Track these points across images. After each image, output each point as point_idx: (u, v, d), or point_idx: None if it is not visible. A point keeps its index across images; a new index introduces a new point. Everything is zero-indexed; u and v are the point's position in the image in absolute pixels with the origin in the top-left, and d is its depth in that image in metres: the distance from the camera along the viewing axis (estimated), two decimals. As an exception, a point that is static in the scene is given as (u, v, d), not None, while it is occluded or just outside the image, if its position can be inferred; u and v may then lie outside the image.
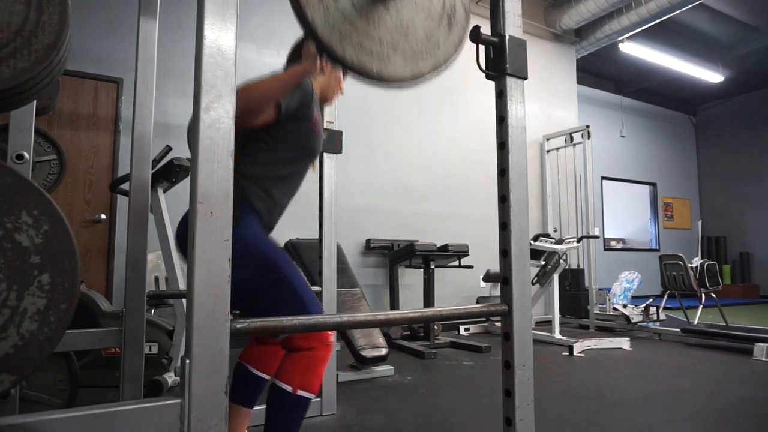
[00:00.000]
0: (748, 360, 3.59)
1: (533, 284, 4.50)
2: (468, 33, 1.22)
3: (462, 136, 5.74)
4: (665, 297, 5.40)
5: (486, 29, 1.21)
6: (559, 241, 4.62)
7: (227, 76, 0.85)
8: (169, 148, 2.83)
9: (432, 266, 4.39)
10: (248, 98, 1.28)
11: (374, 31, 1.05)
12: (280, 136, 1.49)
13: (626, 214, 9.71)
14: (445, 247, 4.37)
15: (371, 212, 5.03)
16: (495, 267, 5.27)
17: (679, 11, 6.07)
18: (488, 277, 5.32)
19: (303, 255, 3.96)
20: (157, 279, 3.55)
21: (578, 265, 5.93)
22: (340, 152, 2.48)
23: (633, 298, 5.46)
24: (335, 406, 2.35)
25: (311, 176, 2.42)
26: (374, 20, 1.06)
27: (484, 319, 5.21)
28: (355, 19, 1.03)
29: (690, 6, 5.92)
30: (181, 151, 3.03)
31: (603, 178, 9.21)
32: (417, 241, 4.68)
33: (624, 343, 4.15)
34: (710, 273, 5.03)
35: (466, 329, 5.12)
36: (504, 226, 1.19)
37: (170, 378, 2.64)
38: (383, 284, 5.01)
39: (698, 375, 3.14)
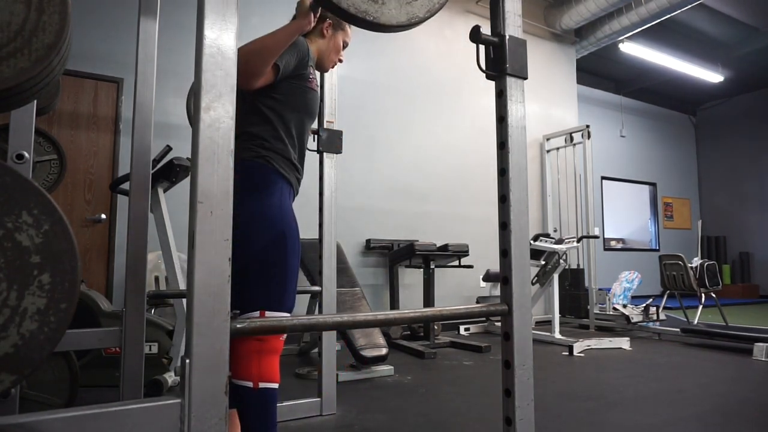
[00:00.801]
0: (748, 360, 3.59)
1: (533, 284, 4.50)
2: None
3: (462, 135, 5.74)
4: (665, 297, 5.40)
5: (486, 29, 1.21)
6: (559, 241, 4.62)
7: (227, 76, 0.85)
8: (169, 148, 2.82)
9: (432, 266, 4.39)
10: (245, 59, 1.28)
11: None
12: (282, 98, 1.50)
13: (626, 214, 9.71)
14: (445, 247, 4.37)
15: (371, 212, 5.03)
16: (495, 267, 5.27)
17: (679, 11, 6.07)
18: (488, 277, 5.32)
19: (303, 255, 3.95)
20: (157, 279, 3.55)
21: (578, 265, 5.93)
22: (341, 152, 2.48)
23: (633, 298, 5.47)
24: (335, 405, 2.35)
25: (311, 177, 2.42)
26: None
27: (484, 319, 5.22)
28: None
29: (690, 6, 5.92)
30: (181, 151, 3.03)
31: (603, 178, 9.21)
32: (417, 241, 4.68)
33: (624, 343, 4.15)
34: (710, 273, 5.03)
35: (466, 329, 5.12)
36: (504, 225, 1.19)
37: (170, 378, 2.64)
38: (383, 284, 5.01)
39: (698, 375, 3.14)
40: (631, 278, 5.38)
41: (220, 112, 0.84)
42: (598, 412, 2.38)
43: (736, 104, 10.32)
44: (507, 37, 1.20)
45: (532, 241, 4.62)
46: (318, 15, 1.54)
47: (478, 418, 2.31)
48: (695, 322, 4.88)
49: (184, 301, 2.59)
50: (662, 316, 4.99)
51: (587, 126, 5.88)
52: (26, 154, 1.72)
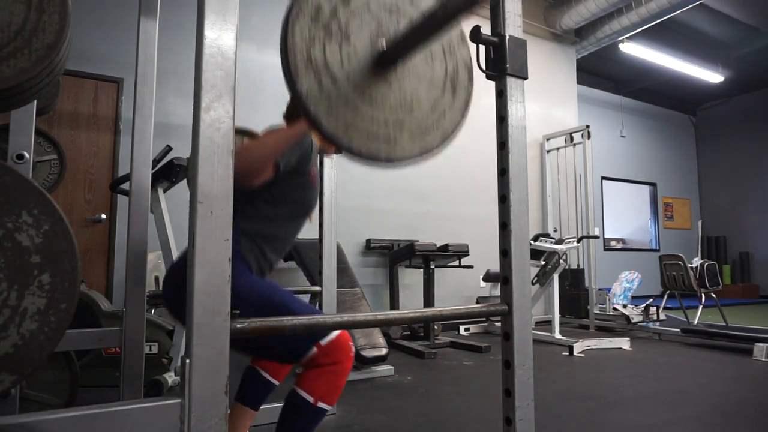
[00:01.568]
0: (748, 360, 3.59)
1: (533, 284, 4.50)
2: (471, 94, 1.20)
3: (462, 135, 5.71)
4: (665, 297, 5.40)
5: (486, 29, 1.21)
6: (559, 241, 4.62)
7: (227, 76, 0.85)
8: (169, 148, 2.82)
9: (432, 266, 4.39)
10: (247, 161, 1.26)
11: (379, 113, 1.02)
12: (279, 193, 1.45)
13: (626, 214, 9.71)
14: (445, 247, 4.37)
15: (371, 212, 5.03)
16: (495, 267, 5.27)
17: (679, 11, 6.07)
18: (488, 277, 5.32)
19: (303, 255, 3.95)
20: (157, 279, 3.55)
21: (578, 265, 5.93)
22: (340, 152, 2.48)
23: (633, 298, 5.46)
24: (335, 405, 2.35)
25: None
26: (378, 101, 1.02)
27: (484, 319, 5.21)
28: (359, 104, 0.99)
29: (690, 6, 5.92)
30: (181, 151, 3.03)
31: (603, 178, 9.21)
32: (417, 241, 4.68)
33: (624, 343, 4.15)
34: (710, 273, 5.03)
35: (466, 329, 5.12)
36: (504, 226, 1.19)
37: (170, 378, 2.64)
38: (383, 284, 5.01)
39: (698, 375, 3.14)
40: (631, 278, 5.38)
41: (220, 112, 0.84)
42: (598, 412, 2.38)
43: (736, 104, 10.31)
44: (507, 37, 1.20)
45: (532, 241, 4.62)
46: None
47: (478, 418, 2.31)
48: (695, 322, 4.88)
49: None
50: (662, 316, 4.99)
51: (587, 126, 5.88)
52: (26, 154, 1.72)
